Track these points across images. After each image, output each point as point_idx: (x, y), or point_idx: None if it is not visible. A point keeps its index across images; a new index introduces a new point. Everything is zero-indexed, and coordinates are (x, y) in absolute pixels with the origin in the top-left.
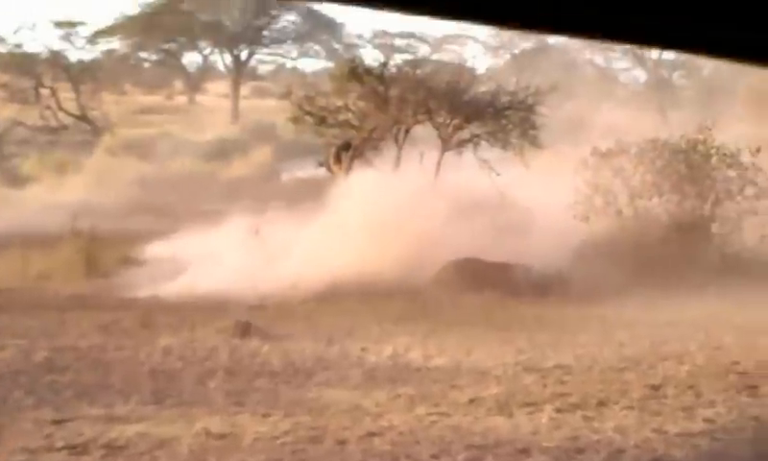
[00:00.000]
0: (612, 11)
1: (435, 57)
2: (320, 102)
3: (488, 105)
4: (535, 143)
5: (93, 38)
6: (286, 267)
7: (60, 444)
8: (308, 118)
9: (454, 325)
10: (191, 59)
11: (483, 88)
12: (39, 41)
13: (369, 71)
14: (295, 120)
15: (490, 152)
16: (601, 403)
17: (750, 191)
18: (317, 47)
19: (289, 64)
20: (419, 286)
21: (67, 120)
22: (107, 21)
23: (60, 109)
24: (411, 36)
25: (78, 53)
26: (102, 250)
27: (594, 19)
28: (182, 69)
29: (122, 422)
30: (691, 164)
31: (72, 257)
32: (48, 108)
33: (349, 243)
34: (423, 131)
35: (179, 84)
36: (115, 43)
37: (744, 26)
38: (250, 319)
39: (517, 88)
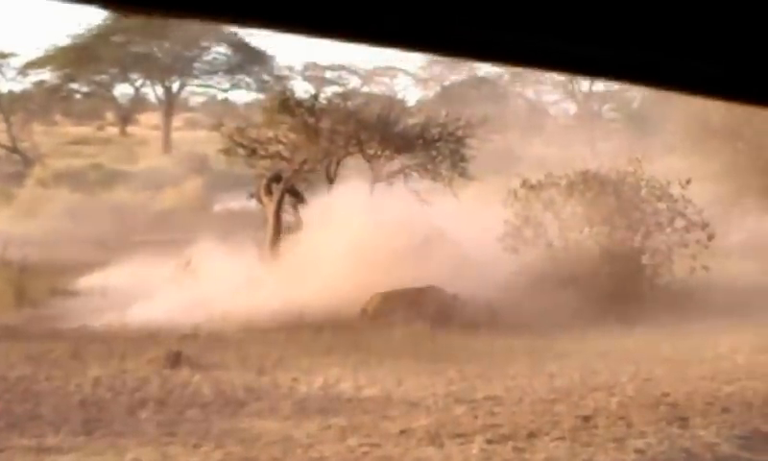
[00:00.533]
0: (547, 38)
1: (365, 89)
2: (251, 134)
3: (418, 136)
4: (465, 175)
5: (24, 70)
6: (217, 298)
7: None
8: (239, 150)
9: (385, 356)
10: (123, 90)
11: (413, 120)
12: None
13: (299, 103)
14: (226, 152)
15: (420, 183)
16: (532, 435)
17: (680, 223)
18: (248, 79)
19: (220, 96)
20: (348, 317)
21: None
22: (37, 52)
23: None
24: (341, 68)
25: (8, 84)
26: (32, 280)
27: (527, 47)
28: (114, 101)
29: (53, 452)
30: (621, 196)
31: (2, 288)
32: None
33: (280, 274)
34: (354, 162)
35: (110, 116)
36: (46, 74)
37: (688, 54)
38: (180, 349)
39: (447, 120)
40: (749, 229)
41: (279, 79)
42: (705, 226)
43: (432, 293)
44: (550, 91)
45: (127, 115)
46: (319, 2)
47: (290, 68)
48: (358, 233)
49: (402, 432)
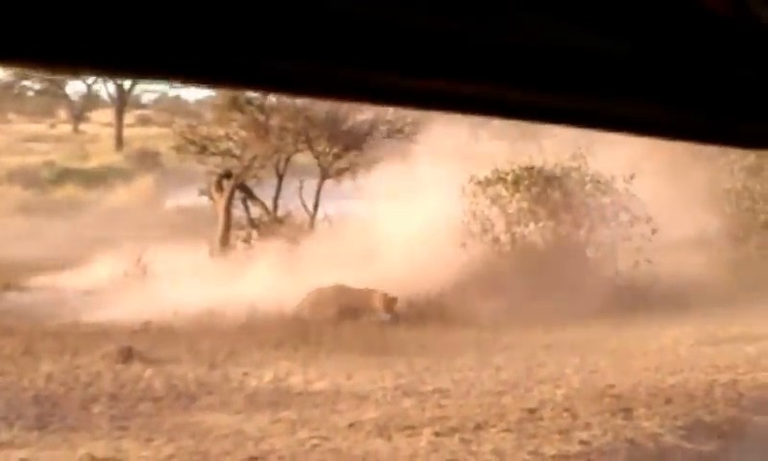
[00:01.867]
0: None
1: None
2: (202, 131)
3: (366, 134)
4: (413, 172)
5: None
6: (168, 293)
7: None
8: (191, 147)
9: (334, 350)
10: (75, 88)
11: (361, 118)
12: None
13: (249, 101)
14: (177, 149)
15: (368, 180)
16: (479, 427)
17: (624, 217)
18: None
19: (172, 93)
20: (292, 312)
21: None
22: None
23: None
24: None
25: None
26: None
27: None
28: (66, 98)
29: (5, 447)
30: (566, 191)
31: None
32: None
33: (229, 269)
34: (303, 159)
35: (63, 113)
36: None
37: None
38: (132, 344)
39: (395, 118)
40: (691, 223)
41: None
42: (648, 220)
43: (370, 288)
44: None
45: (79, 113)
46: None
47: None
48: (307, 229)
49: (351, 425)
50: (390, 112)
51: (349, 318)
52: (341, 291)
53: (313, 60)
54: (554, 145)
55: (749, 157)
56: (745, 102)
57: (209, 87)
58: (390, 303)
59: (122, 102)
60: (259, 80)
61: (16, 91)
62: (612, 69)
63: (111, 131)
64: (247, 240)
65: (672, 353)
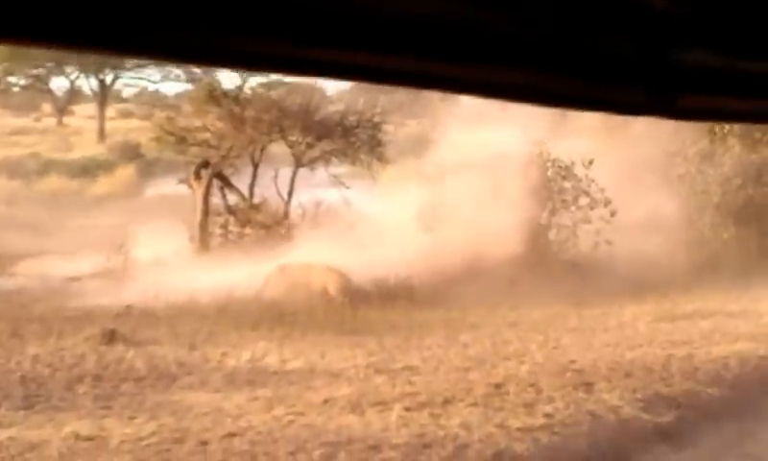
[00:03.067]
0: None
1: (288, 79)
2: (180, 123)
3: (337, 124)
4: (382, 159)
5: None
6: (149, 277)
7: None
8: (170, 138)
9: (308, 330)
10: (59, 83)
11: (333, 108)
12: None
13: (225, 93)
14: (157, 140)
15: (340, 168)
16: (447, 401)
17: (584, 201)
18: (177, 71)
19: (151, 87)
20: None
21: None
22: None
23: None
24: None
25: None
26: None
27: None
28: (51, 93)
29: None
30: (529, 177)
31: None
32: None
33: (207, 255)
34: (278, 149)
35: (47, 107)
36: None
37: None
38: (115, 327)
39: (364, 108)
40: (648, 205)
41: (207, 71)
42: (607, 203)
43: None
44: None
45: (63, 107)
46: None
47: None
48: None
49: (325, 402)
50: (360, 103)
51: (305, 296)
52: (301, 269)
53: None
54: (518, 133)
55: (702, 143)
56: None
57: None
58: (341, 283)
59: (104, 96)
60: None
61: (2, 86)
62: (489, 40)
63: (94, 123)
64: (224, 226)
65: (631, 330)
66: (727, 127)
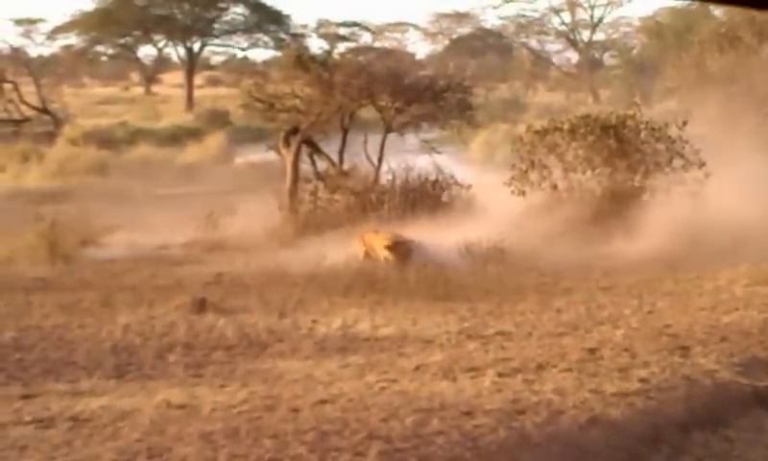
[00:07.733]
0: None
1: (377, 44)
2: (269, 89)
3: (426, 88)
4: (472, 123)
5: (52, 35)
6: (239, 245)
7: (27, 418)
8: (258, 105)
9: (400, 296)
10: (146, 51)
11: (422, 72)
12: (0, 38)
13: (314, 59)
14: (246, 107)
15: (430, 133)
16: (540, 367)
17: (677, 163)
18: (265, 38)
19: (239, 54)
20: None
21: (30, 112)
22: (64, 18)
23: (23, 102)
24: (354, 24)
25: (38, 48)
26: (63, 234)
27: None
28: (138, 61)
29: (86, 395)
30: (621, 139)
31: (35, 242)
32: (11, 101)
33: (298, 222)
34: (367, 114)
35: (135, 76)
36: (73, 39)
37: None
38: (206, 296)
39: (455, 72)
40: (743, 167)
41: (295, 37)
42: (702, 165)
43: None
44: (553, 41)
45: (151, 75)
46: None
47: (304, 26)
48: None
49: (417, 368)
50: (450, 67)
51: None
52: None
53: None
54: (610, 95)
55: None
56: None
57: None
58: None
59: (192, 64)
60: None
61: (90, 56)
62: None
63: (182, 92)
64: (314, 193)
65: (727, 293)
66: None
